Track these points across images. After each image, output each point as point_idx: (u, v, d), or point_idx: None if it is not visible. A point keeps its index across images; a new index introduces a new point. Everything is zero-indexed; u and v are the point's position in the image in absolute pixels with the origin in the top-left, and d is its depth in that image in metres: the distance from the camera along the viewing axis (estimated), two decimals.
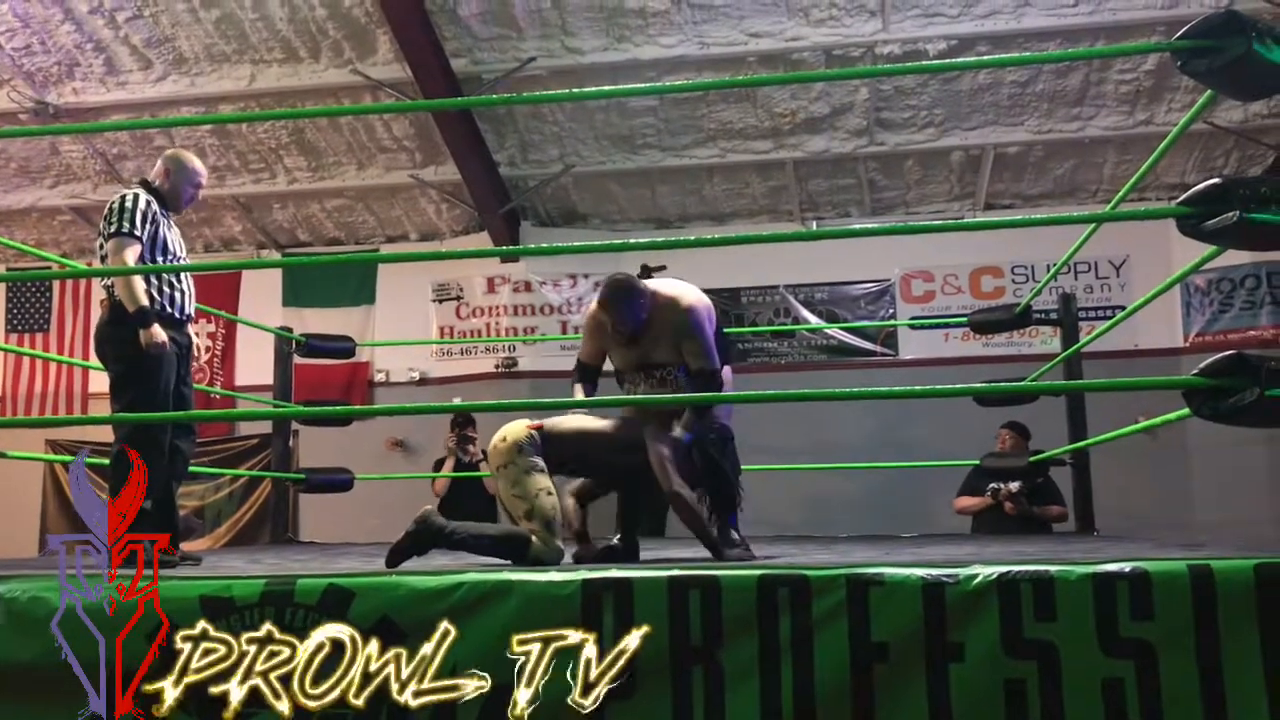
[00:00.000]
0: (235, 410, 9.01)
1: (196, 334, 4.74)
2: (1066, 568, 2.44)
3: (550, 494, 3.38)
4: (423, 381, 9.19)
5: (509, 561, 3.20)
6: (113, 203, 3.97)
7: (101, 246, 3.99)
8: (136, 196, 3.95)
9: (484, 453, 6.90)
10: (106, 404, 4.07)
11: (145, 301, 3.82)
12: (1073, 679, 2.36)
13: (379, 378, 9.33)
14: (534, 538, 3.30)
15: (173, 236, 4.07)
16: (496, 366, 9.06)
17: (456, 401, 7.00)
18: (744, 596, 2.48)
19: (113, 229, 3.90)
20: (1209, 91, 3.41)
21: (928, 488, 7.18)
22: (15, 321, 9.82)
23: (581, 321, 3.74)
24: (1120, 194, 4.32)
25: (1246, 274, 8.24)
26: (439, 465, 7.12)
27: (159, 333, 3.82)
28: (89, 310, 9.58)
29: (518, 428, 3.48)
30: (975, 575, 2.44)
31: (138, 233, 3.88)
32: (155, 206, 3.99)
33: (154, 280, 3.97)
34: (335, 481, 6.13)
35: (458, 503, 6.65)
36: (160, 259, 3.97)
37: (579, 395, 3.76)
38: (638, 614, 2.47)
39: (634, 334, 3.63)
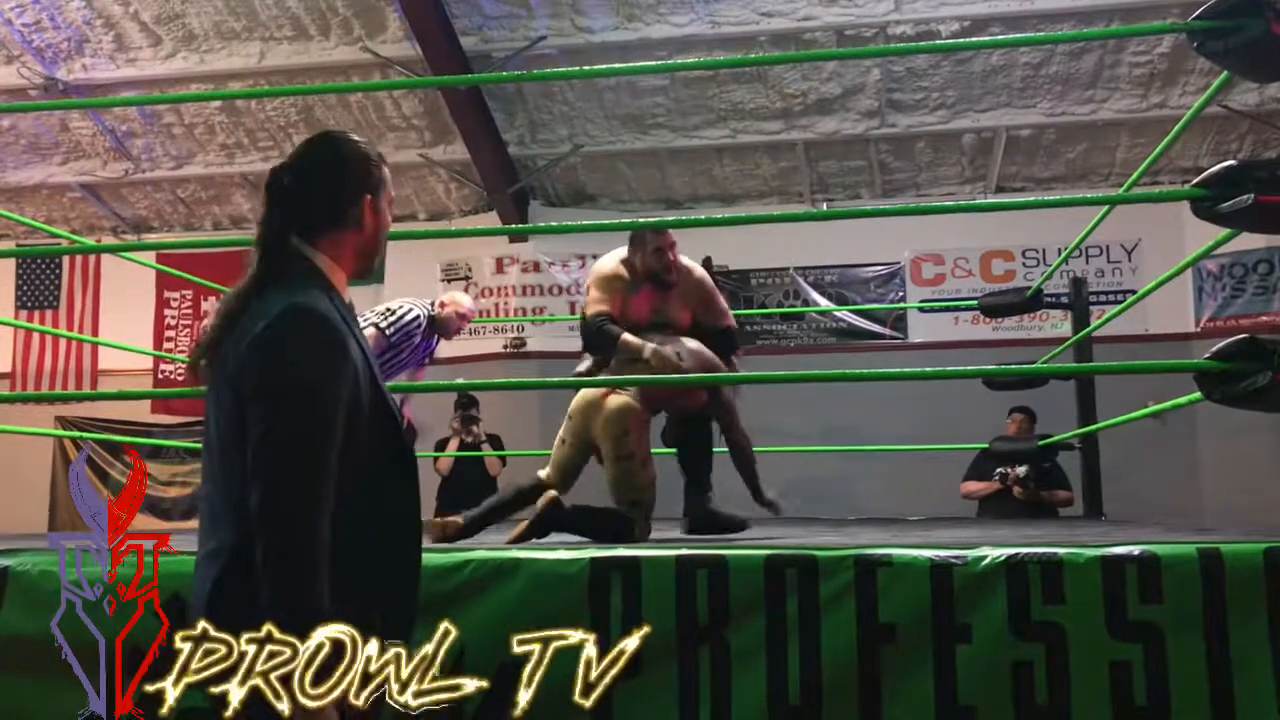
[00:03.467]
0: None
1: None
2: (1075, 550, 2.43)
3: (654, 485, 3.53)
4: (430, 361, 9.16)
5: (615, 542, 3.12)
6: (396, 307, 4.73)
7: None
8: (409, 310, 4.70)
9: (488, 435, 6.96)
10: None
11: None
12: (1080, 661, 2.35)
13: None
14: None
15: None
16: (505, 347, 9.05)
17: (459, 381, 6.99)
18: (752, 577, 2.47)
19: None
20: (1225, 74, 3.39)
21: (935, 471, 7.17)
22: (25, 298, 9.83)
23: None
24: (1133, 177, 4.29)
25: (1259, 259, 8.17)
26: (442, 445, 7.13)
27: None
28: (98, 287, 9.58)
29: (626, 405, 3.51)
30: (984, 557, 2.43)
31: (386, 330, 4.55)
32: (421, 324, 4.78)
33: None
34: None
35: (460, 482, 6.66)
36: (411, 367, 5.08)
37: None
38: (645, 594, 2.47)
39: (669, 281, 3.84)
